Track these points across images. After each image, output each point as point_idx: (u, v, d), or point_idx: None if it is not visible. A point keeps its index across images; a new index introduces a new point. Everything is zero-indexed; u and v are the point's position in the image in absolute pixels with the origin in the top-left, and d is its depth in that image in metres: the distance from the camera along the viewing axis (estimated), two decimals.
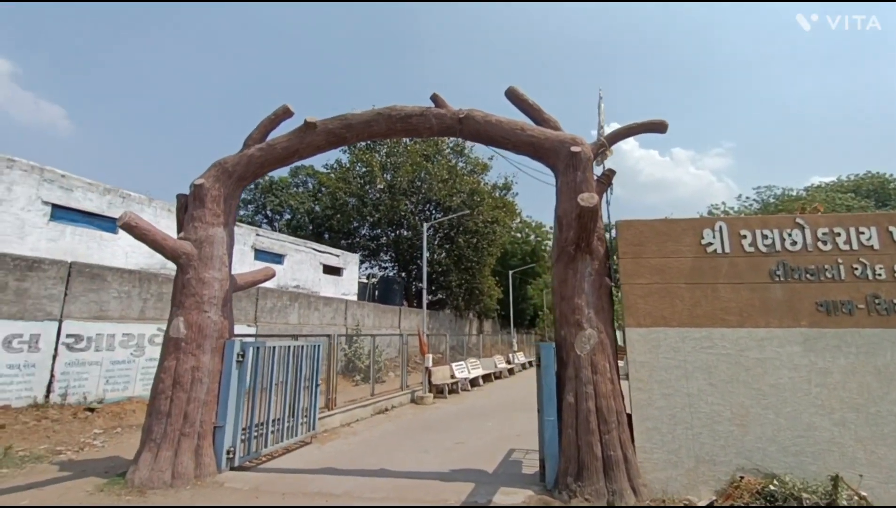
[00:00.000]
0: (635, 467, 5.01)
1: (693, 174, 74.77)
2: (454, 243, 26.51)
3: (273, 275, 7.59)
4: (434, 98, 6.51)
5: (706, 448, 5.07)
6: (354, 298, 19.61)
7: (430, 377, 13.28)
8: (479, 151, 29.82)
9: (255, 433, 6.55)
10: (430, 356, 13.01)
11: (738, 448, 5.02)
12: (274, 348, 6.96)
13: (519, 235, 45.09)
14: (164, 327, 10.21)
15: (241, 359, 6.25)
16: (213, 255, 6.27)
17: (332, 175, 26.32)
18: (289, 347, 7.31)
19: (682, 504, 4.88)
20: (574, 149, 5.99)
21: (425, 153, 25.47)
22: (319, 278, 18.46)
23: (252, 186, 30.16)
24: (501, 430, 9.01)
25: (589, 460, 4.99)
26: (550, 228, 49.47)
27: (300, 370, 7.51)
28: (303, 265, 17.94)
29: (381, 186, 23.32)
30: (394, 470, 6.26)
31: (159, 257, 13.51)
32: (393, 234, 25.75)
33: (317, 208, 27.16)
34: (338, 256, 19.39)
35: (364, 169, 24.57)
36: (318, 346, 8.15)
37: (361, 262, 29.06)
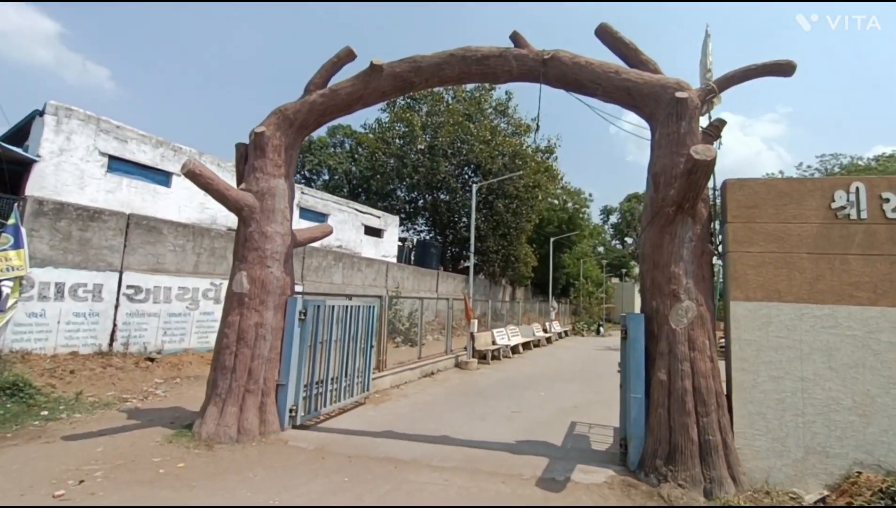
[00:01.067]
0: (735, 454, 4.52)
1: (740, 141, 69.39)
2: (493, 208, 25.75)
3: (330, 232, 7.29)
4: (514, 37, 5.77)
5: (819, 437, 4.51)
6: (394, 260, 19.42)
7: (473, 342, 13.05)
8: (523, 110, 28.39)
9: (315, 392, 6.43)
10: (476, 321, 12.72)
11: (857, 440, 4.44)
12: (333, 306, 6.73)
13: (556, 201, 43.72)
14: (217, 281, 10.40)
15: (303, 317, 6.03)
16: (274, 208, 5.96)
17: (371, 135, 25.68)
18: (347, 306, 7.07)
19: (787, 497, 4.40)
20: (679, 95, 5.20)
21: (467, 112, 24.37)
22: (361, 239, 18.30)
23: None
24: (556, 401, 8.68)
25: (683, 443, 4.54)
26: (589, 194, 47.73)
27: (356, 330, 7.30)
28: (345, 226, 17.77)
29: (422, 147, 22.56)
30: (457, 438, 6.03)
31: (210, 212, 13.63)
32: (431, 197, 25.18)
33: (354, 169, 26.77)
34: (379, 217, 19.09)
35: (404, 129, 23.79)
36: (373, 307, 7.91)
37: (401, 224, 28.88)
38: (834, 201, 4.76)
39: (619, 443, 5.18)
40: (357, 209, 18.50)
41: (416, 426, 6.49)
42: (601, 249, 58.23)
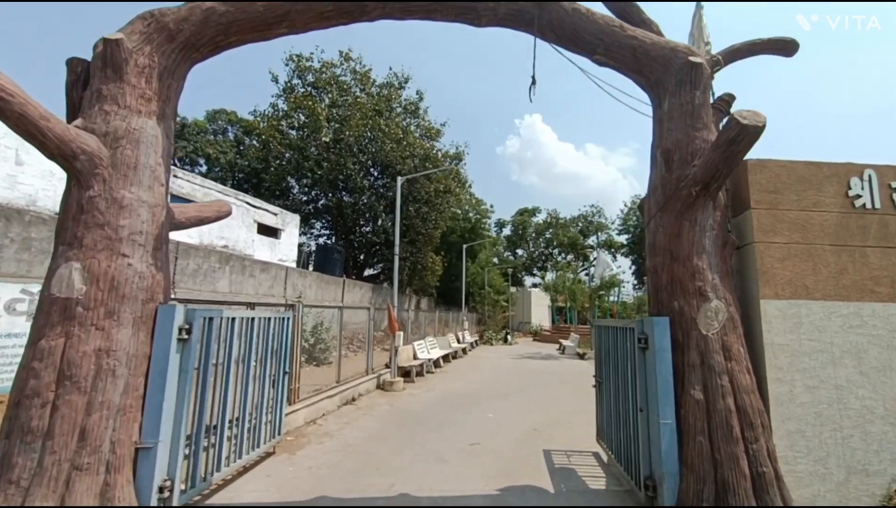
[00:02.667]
0: (786, 486, 3.73)
1: (602, 170, 79.75)
2: (402, 213, 24.28)
3: (228, 212, 5.09)
4: None
5: (858, 454, 3.95)
6: (293, 265, 16.71)
7: (396, 358, 11.34)
8: (433, 114, 27.55)
9: (206, 446, 4.23)
10: (401, 334, 11.05)
11: (892, 452, 3.97)
12: (234, 319, 4.59)
13: (459, 211, 43.98)
14: (34, 287, 7.01)
15: (185, 335, 3.85)
16: (138, 162, 3.72)
17: (264, 123, 22.23)
18: (252, 319, 4.96)
19: None
20: (693, 59, 4.42)
21: (377, 108, 22.64)
22: (253, 238, 15.26)
23: None
24: (510, 425, 7.49)
25: (734, 479, 3.59)
26: (490, 205, 49.12)
27: (265, 351, 5.21)
28: (233, 222, 14.57)
29: (326, 140, 20.12)
30: (420, 496, 4.38)
31: (26, 188, 9.65)
32: (334, 197, 22.70)
33: (241, 162, 22.90)
34: (276, 214, 16.19)
35: (304, 118, 21.04)
36: (288, 320, 5.86)
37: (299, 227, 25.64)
38: (850, 188, 4.36)
39: (641, 482, 4.09)
40: (249, 203, 15.46)
41: (359, 484, 4.67)
42: (495, 260, 60.56)
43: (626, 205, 55.70)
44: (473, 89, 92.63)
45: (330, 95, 22.91)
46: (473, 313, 34.08)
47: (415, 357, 13.39)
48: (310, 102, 20.74)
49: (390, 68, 26.79)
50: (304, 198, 23.58)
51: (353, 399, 9.02)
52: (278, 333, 5.56)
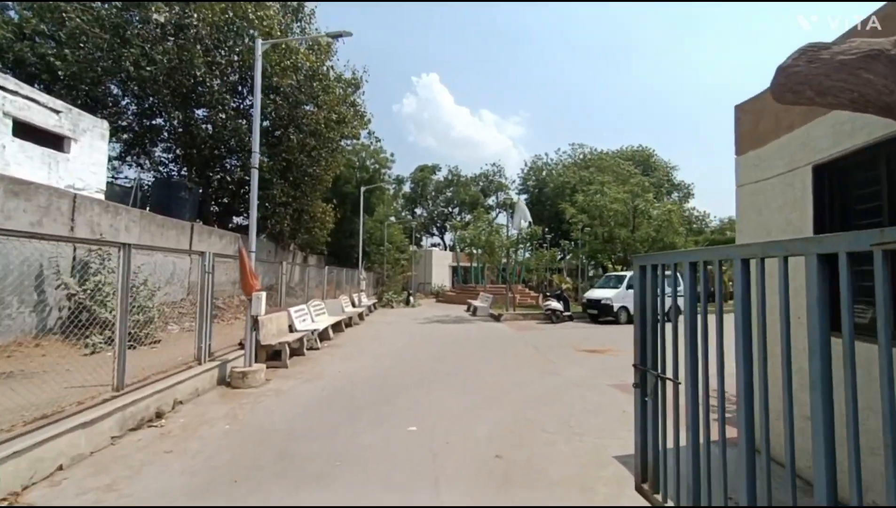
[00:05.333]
0: None
1: (495, 138, 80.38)
2: (282, 143, 18.90)
3: None
4: None
5: None
6: (100, 196, 10.86)
7: (257, 333, 7.27)
8: (322, 22, 21.87)
9: None
10: (264, 293, 6.93)
11: None
12: None
13: (355, 158, 38.80)
14: None
15: None
16: None
17: None
18: None
19: None
20: None
21: None
22: (6, 143, 9.06)
23: None
24: (452, 445, 4.22)
25: None
26: (391, 155, 44.51)
27: None
28: None
29: (160, 18, 13.63)
30: None
31: None
32: (181, 114, 16.39)
33: (20, 47, 14.66)
34: (58, 112, 9.96)
35: None
36: None
37: (125, 153, 18.49)
38: None
39: None
40: None
41: None
42: (392, 218, 56.85)
43: (526, 164, 55.75)
44: (370, 39, 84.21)
45: None
46: (371, 274, 30.25)
47: (291, 329, 9.37)
48: None
49: None
50: (137, 109, 16.71)
51: (159, 416, 4.88)
52: None
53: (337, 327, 12.36)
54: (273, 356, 7.86)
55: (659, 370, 2.78)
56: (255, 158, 7.34)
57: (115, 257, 7.69)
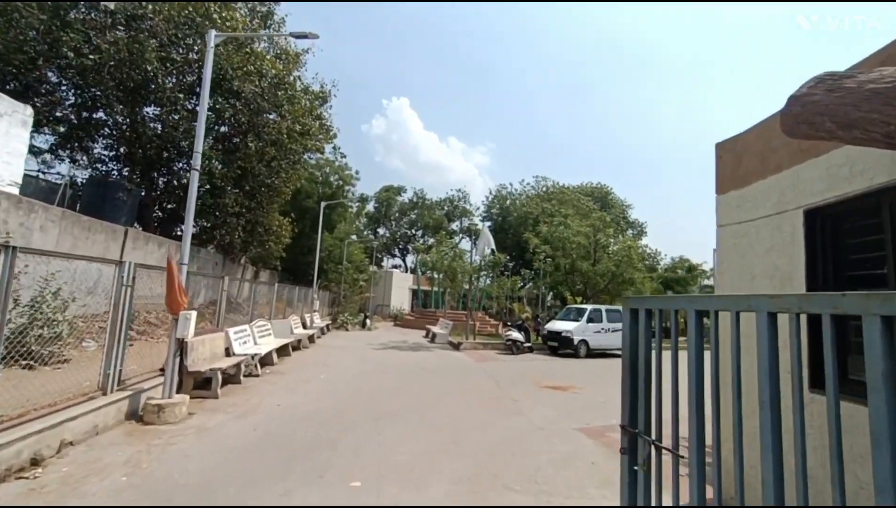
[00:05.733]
0: None
1: (462, 165, 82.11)
2: (238, 150, 17.82)
3: None
4: None
5: None
6: (13, 189, 9.39)
7: (182, 356, 6.33)
8: (292, 25, 21.25)
9: None
10: (194, 313, 6.04)
11: None
12: None
13: (318, 173, 37.80)
14: None
15: None
16: None
17: None
18: None
19: None
20: None
21: None
22: None
23: None
24: (399, 502, 3.57)
25: None
26: (356, 172, 43.64)
27: None
28: None
29: (111, 7, 12.58)
30: None
31: None
32: (126, 109, 15.06)
33: None
34: None
35: None
36: None
37: (58, 146, 16.71)
38: None
39: None
40: None
41: None
42: (354, 237, 55.67)
43: (490, 192, 56.57)
44: (342, 58, 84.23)
45: None
46: (327, 293, 28.97)
47: (228, 353, 8.37)
48: None
49: None
50: (75, 100, 15.22)
51: (35, 463, 3.91)
52: None
53: (283, 350, 11.33)
54: (202, 384, 6.88)
55: (654, 436, 2.34)
56: (197, 160, 6.55)
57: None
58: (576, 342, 15.92)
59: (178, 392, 6.25)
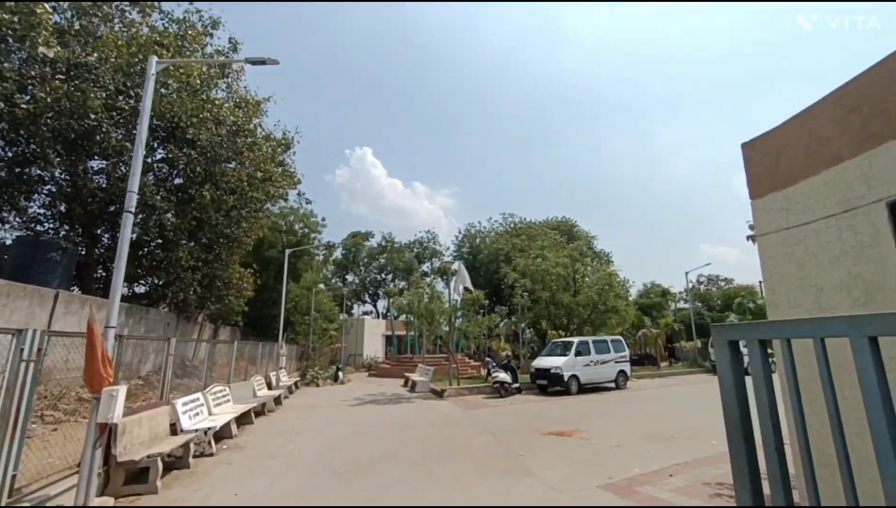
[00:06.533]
0: None
1: (427, 208, 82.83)
2: (193, 201, 16.59)
3: None
4: None
5: None
6: None
7: (109, 444, 5.03)
8: (253, 85, 20.71)
9: None
10: (123, 387, 4.81)
11: None
12: None
13: (282, 222, 36.49)
14: None
15: None
16: None
17: None
18: None
19: None
20: None
21: (158, 40, 15.01)
22: None
23: None
24: None
25: None
26: (322, 219, 42.42)
27: None
28: None
29: (51, 55, 11.59)
30: None
31: None
32: (67, 161, 13.75)
33: None
34: None
35: (13, 16, 11.82)
36: None
37: None
38: None
39: None
40: None
41: None
42: (322, 286, 53.73)
43: (460, 232, 56.61)
44: (304, 112, 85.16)
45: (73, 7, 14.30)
46: (294, 346, 27.01)
47: (175, 430, 6.96)
48: None
49: (191, 2, 18.82)
50: (2, 156, 13.77)
51: None
52: None
53: (245, 418, 9.84)
54: (136, 475, 5.50)
55: None
56: (131, 200, 5.52)
57: None
58: (566, 379, 15.03)
59: (103, 493, 4.90)
